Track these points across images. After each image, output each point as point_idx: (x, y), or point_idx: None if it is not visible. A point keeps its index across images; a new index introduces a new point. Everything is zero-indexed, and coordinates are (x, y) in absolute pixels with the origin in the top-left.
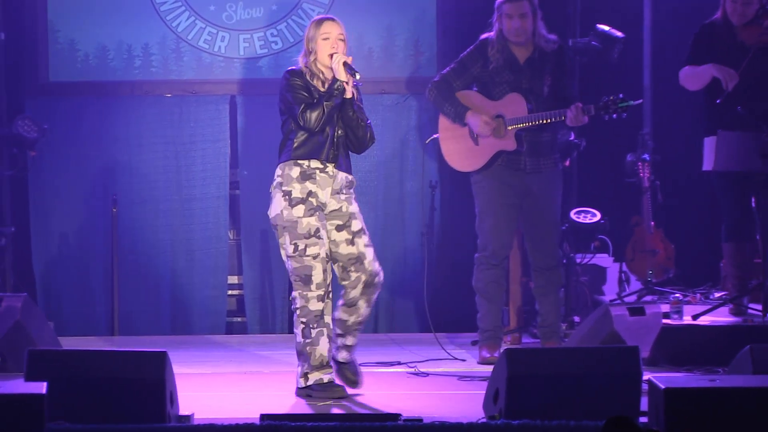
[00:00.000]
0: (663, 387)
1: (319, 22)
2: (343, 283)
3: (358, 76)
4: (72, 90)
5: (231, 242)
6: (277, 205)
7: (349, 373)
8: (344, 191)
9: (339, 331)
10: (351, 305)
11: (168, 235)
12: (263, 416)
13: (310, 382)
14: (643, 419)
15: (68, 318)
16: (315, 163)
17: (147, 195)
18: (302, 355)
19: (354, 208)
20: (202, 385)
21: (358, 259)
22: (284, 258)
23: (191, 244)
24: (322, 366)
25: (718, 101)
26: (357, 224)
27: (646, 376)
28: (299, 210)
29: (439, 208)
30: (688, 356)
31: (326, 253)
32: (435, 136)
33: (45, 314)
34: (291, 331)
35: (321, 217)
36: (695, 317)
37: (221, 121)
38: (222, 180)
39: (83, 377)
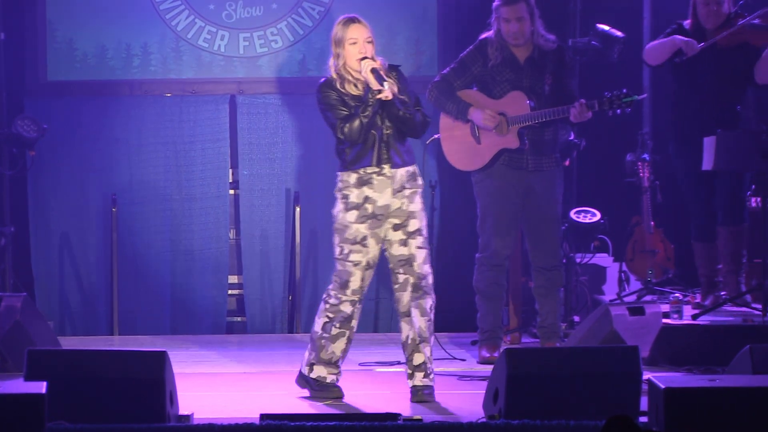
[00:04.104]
0: (663, 387)
1: (345, 25)
2: (394, 287)
3: (386, 85)
4: (71, 89)
5: (231, 242)
6: (337, 208)
7: (422, 395)
8: (407, 186)
9: (406, 354)
10: (406, 316)
11: (168, 235)
12: (263, 416)
13: (313, 375)
14: (643, 419)
15: (68, 318)
16: (370, 169)
17: (147, 195)
18: (314, 344)
19: (415, 206)
20: (202, 385)
21: (408, 261)
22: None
23: (191, 244)
24: (330, 363)
25: (676, 60)
26: (414, 224)
27: (646, 376)
28: (352, 215)
29: (439, 208)
30: (687, 356)
31: (369, 262)
32: (436, 136)
33: (45, 314)
34: (291, 331)
35: (373, 225)
36: (695, 317)
37: (221, 121)
38: (222, 180)
39: (83, 377)
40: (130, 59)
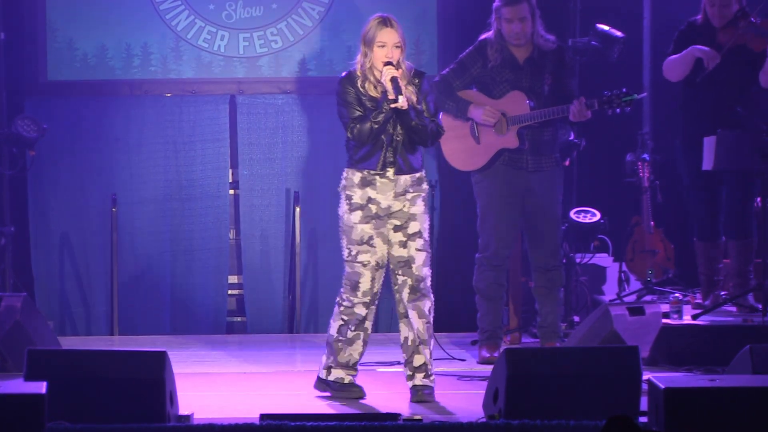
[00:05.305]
0: (663, 387)
1: (378, 27)
2: (393, 288)
3: (401, 99)
4: (71, 89)
5: (231, 242)
6: (341, 208)
7: (422, 395)
8: (410, 190)
9: (405, 356)
10: (404, 317)
11: (168, 234)
12: (263, 416)
13: (331, 378)
14: (643, 419)
15: (68, 318)
16: (374, 171)
17: (147, 195)
18: (330, 348)
19: (416, 209)
20: (202, 385)
21: (407, 262)
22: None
23: (191, 244)
24: (348, 366)
25: (698, 79)
26: (414, 226)
27: (646, 376)
28: (356, 216)
29: (439, 208)
30: (688, 356)
31: (378, 262)
32: None
33: (45, 314)
34: (291, 331)
35: (378, 224)
36: (695, 317)
37: (221, 121)
38: (222, 180)
39: (83, 377)
40: (130, 59)
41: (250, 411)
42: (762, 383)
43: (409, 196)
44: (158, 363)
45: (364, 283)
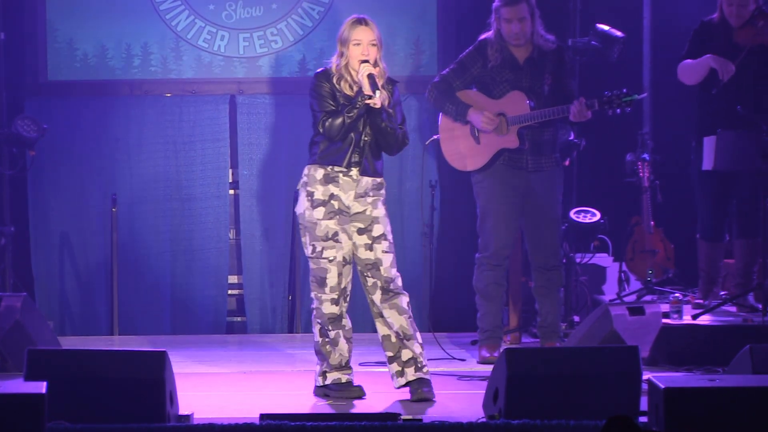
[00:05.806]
0: (663, 387)
1: (352, 26)
2: (365, 289)
3: (377, 94)
4: (71, 89)
5: (231, 242)
6: (301, 205)
7: (422, 393)
8: (371, 194)
9: (390, 354)
10: (379, 316)
11: (168, 235)
12: (263, 416)
13: (328, 381)
14: (643, 419)
15: (68, 318)
16: (338, 168)
17: (147, 195)
18: (320, 354)
19: (379, 212)
20: (202, 384)
21: (375, 265)
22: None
23: (191, 244)
24: (341, 366)
25: (713, 91)
26: (378, 229)
27: (646, 376)
28: (319, 212)
29: (439, 208)
30: (687, 356)
31: (345, 257)
32: (435, 137)
33: (45, 314)
34: (291, 331)
35: (342, 220)
36: (695, 317)
37: (221, 121)
38: (222, 180)
39: (83, 377)
40: (130, 59)
41: (250, 411)
42: (762, 383)
43: (370, 199)
44: (158, 363)
45: (331, 279)
